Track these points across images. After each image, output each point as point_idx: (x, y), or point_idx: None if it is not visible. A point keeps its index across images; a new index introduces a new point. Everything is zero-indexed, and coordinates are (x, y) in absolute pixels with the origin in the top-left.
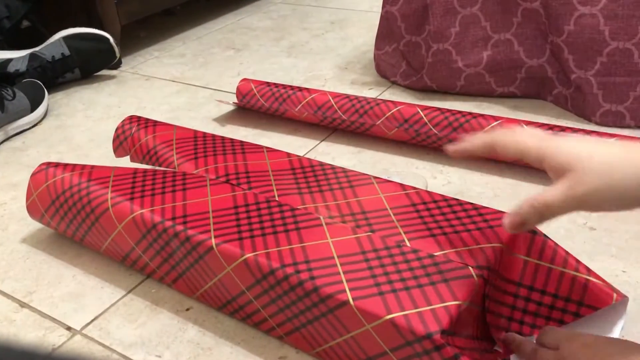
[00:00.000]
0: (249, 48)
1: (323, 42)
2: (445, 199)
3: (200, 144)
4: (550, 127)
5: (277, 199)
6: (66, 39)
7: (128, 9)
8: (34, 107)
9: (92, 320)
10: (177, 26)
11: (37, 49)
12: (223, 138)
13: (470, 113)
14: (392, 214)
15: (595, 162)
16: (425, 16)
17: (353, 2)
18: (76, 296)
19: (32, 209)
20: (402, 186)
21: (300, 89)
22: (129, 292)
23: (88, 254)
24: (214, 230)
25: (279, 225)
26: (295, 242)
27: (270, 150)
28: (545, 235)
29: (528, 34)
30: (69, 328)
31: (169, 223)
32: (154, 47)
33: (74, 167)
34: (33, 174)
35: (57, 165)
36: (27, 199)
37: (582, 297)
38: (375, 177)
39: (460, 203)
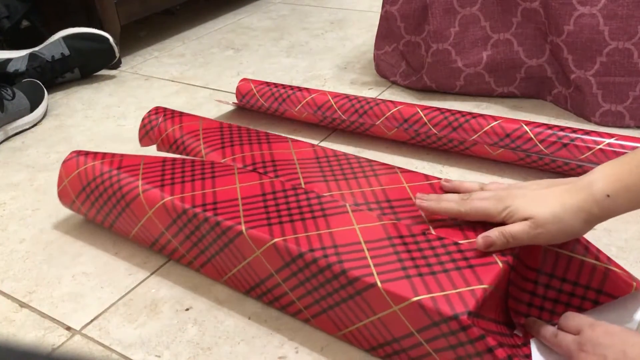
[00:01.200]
0: (248, 48)
1: (323, 42)
2: None
3: (227, 134)
4: (550, 127)
5: (303, 186)
6: (66, 38)
7: (128, 9)
8: (33, 107)
9: (92, 320)
10: (177, 26)
11: (36, 48)
12: (248, 129)
13: (470, 113)
14: None
15: (549, 214)
16: (424, 16)
17: (353, 2)
18: (76, 296)
19: (63, 196)
20: (426, 176)
21: (299, 88)
22: (129, 292)
23: (87, 254)
24: (244, 216)
25: (306, 212)
26: (322, 228)
27: (294, 140)
28: None
29: (528, 33)
30: (68, 328)
31: (199, 209)
32: (153, 47)
33: (104, 155)
34: (64, 162)
35: (87, 153)
36: (58, 186)
37: (601, 285)
38: (399, 168)
39: None
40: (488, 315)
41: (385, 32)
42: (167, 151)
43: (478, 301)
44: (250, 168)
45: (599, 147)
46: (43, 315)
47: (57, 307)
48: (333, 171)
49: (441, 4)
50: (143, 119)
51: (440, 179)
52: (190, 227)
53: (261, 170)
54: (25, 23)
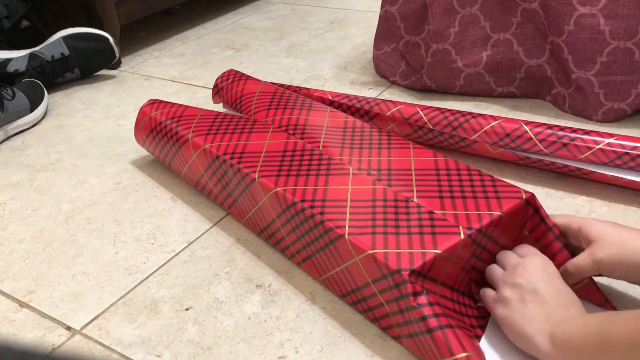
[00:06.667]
0: (248, 48)
1: (322, 42)
2: (468, 168)
3: (277, 98)
4: (550, 127)
5: (320, 149)
6: (66, 38)
7: (128, 9)
8: (33, 107)
9: (92, 320)
10: (177, 26)
11: (36, 48)
12: (297, 96)
13: (469, 113)
14: (413, 174)
15: (613, 236)
16: (424, 16)
17: (352, 2)
18: (76, 296)
19: (137, 136)
20: (435, 153)
21: (299, 88)
22: (129, 292)
23: (87, 254)
24: (260, 166)
25: (312, 169)
26: (320, 184)
27: (332, 111)
28: (545, 216)
29: (527, 34)
30: (68, 328)
31: (228, 156)
32: (153, 47)
33: (172, 105)
34: (141, 107)
35: (159, 103)
36: (135, 127)
37: None
38: (414, 143)
39: (480, 174)
40: (441, 279)
41: (385, 32)
42: (229, 108)
43: (426, 263)
44: (283, 129)
45: (598, 146)
46: (43, 315)
47: (57, 307)
48: (352, 140)
49: (441, 4)
50: (217, 79)
51: (446, 157)
52: (220, 172)
53: (291, 131)
54: (25, 23)
